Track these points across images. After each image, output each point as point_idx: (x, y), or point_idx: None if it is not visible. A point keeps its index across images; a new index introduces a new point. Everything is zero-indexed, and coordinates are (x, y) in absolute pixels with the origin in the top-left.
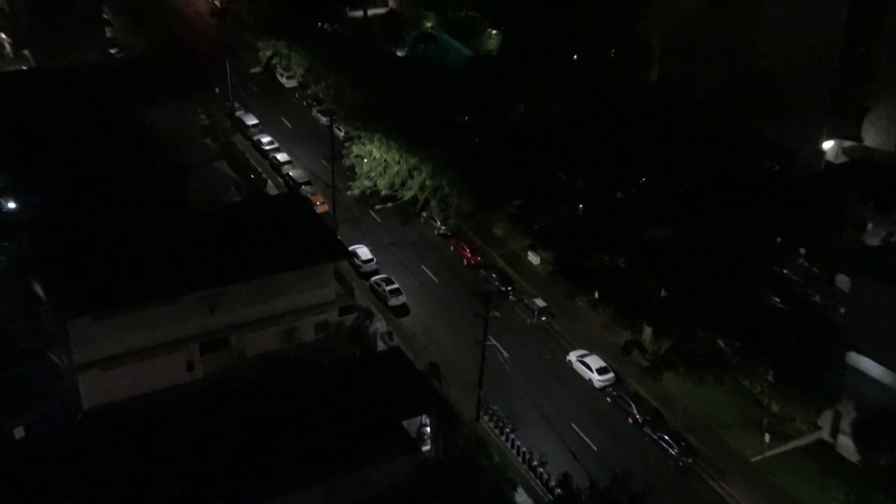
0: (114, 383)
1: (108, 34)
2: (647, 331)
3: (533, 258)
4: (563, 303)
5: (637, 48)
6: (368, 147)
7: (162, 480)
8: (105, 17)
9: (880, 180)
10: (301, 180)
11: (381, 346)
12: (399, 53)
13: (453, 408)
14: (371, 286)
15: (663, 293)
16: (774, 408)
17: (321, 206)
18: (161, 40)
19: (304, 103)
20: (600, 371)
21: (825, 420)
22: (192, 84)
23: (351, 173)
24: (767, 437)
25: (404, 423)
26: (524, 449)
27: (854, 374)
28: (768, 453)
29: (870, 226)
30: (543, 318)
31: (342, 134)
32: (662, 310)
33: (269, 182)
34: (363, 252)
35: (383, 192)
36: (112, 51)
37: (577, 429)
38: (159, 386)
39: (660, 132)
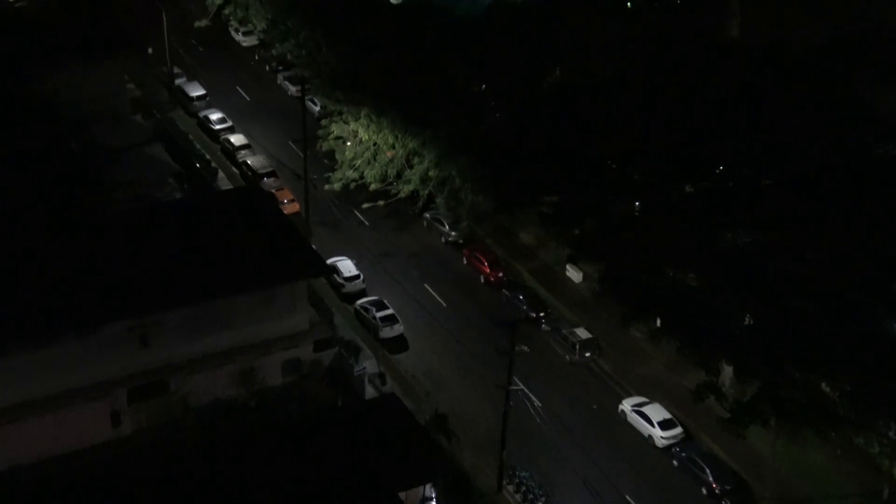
0: (13, 444)
1: None
2: (727, 370)
3: (573, 273)
4: (614, 333)
5: None
6: (352, 126)
7: None
8: None
9: None
10: (263, 171)
11: (370, 391)
12: (393, 1)
13: (467, 474)
14: (357, 312)
15: (748, 320)
16: None
17: (290, 205)
18: None
19: (267, 68)
20: (664, 424)
21: None
22: (115, 42)
23: (330, 161)
24: None
25: (402, 494)
26: None
27: None
28: None
29: None
30: (587, 354)
31: (317, 109)
32: (747, 342)
33: (221, 172)
34: (346, 266)
35: (373, 187)
36: None
37: (631, 501)
38: (75, 446)
39: (743, 104)
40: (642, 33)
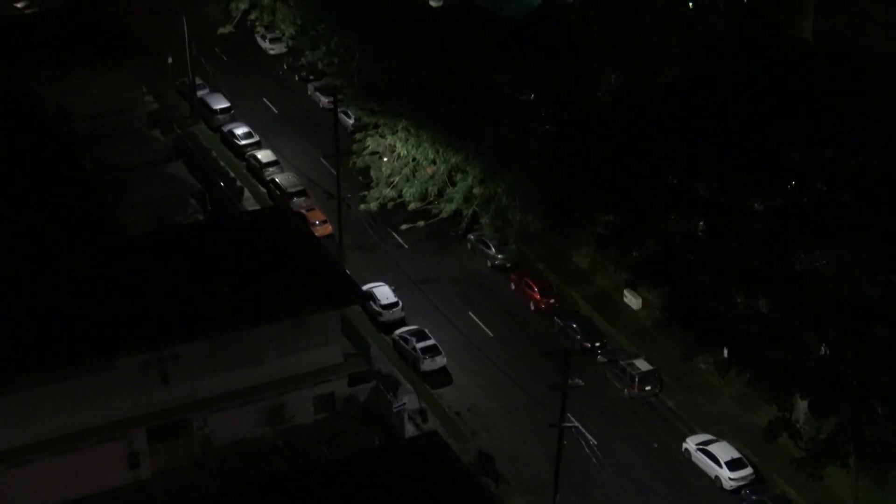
0: (22, 487)
1: None
2: (802, 405)
3: (632, 300)
4: (677, 365)
5: None
6: (389, 140)
7: None
8: None
9: None
10: (292, 189)
11: (410, 430)
12: (433, 3)
13: None
14: (395, 343)
15: (825, 350)
16: None
17: (322, 227)
18: None
19: (296, 77)
20: (732, 465)
21: None
22: (129, 50)
23: (365, 178)
24: None
25: None
26: None
27: None
28: None
29: None
30: (648, 388)
31: (351, 122)
32: (824, 374)
33: (246, 192)
34: (383, 293)
35: (412, 206)
36: (18, 4)
37: None
38: (89, 490)
39: (817, 112)
40: (707, 35)
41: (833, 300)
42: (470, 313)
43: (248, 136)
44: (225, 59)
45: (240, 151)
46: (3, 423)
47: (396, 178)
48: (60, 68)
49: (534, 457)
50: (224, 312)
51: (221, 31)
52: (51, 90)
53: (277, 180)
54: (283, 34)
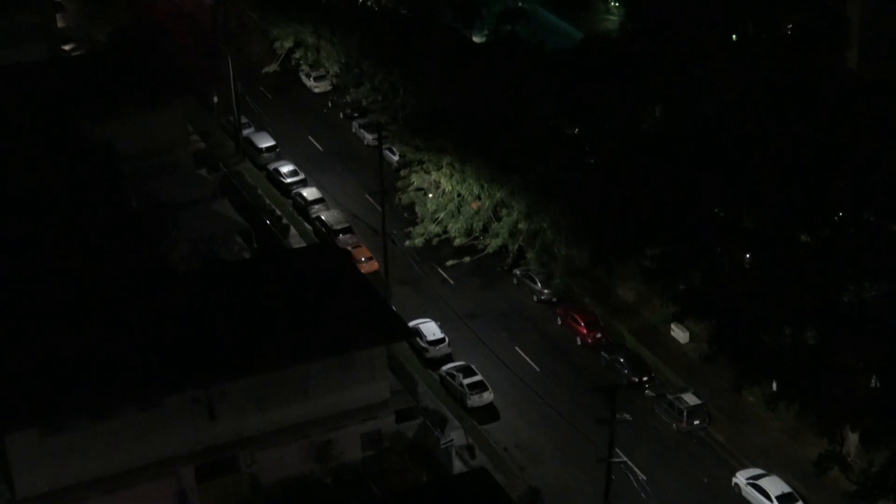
0: None
1: (60, 23)
2: (853, 438)
3: (679, 333)
4: (726, 398)
5: (827, 21)
6: (434, 176)
7: None
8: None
9: None
10: (338, 226)
11: (458, 466)
12: (476, 39)
13: None
14: (442, 379)
15: (875, 381)
16: None
17: (368, 264)
18: (133, 28)
19: (341, 115)
20: (783, 499)
21: None
22: (175, 89)
23: (410, 215)
24: None
25: None
26: None
27: None
28: None
29: None
30: (696, 422)
31: (396, 158)
32: (875, 406)
33: (293, 229)
34: (430, 329)
35: (457, 242)
36: (66, 47)
37: None
38: None
39: (863, 144)
40: (751, 66)
41: (882, 331)
42: (516, 348)
43: (293, 173)
44: (270, 97)
45: (285, 189)
46: (52, 462)
47: (441, 214)
48: (108, 107)
49: (582, 492)
50: (271, 349)
51: (266, 69)
52: (99, 129)
53: (323, 217)
54: (328, 72)
